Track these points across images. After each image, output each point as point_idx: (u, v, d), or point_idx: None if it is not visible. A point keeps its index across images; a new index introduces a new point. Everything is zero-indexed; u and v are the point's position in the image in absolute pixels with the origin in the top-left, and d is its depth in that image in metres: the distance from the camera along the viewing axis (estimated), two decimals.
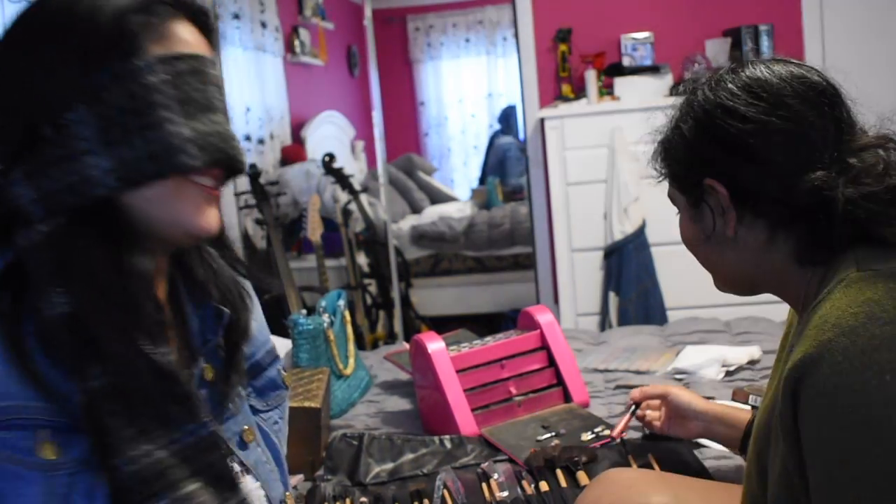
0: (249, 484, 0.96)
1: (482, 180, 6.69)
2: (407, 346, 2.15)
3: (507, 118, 6.80)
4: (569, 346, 1.95)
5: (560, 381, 1.91)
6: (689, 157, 1.09)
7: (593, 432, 1.71)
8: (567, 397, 1.89)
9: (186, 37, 0.88)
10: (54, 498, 0.79)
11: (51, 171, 0.82)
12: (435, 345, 1.81)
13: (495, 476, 1.54)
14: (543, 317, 1.96)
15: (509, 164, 6.53)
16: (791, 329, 1.13)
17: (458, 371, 1.80)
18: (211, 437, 0.87)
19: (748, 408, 1.59)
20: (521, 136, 6.12)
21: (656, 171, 1.15)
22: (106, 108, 0.83)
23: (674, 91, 1.12)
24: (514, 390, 1.85)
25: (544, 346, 1.93)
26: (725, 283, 1.13)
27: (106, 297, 0.82)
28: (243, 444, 0.99)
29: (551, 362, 1.92)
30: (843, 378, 0.86)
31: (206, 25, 0.92)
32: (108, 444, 0.80)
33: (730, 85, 1.05)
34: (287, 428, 1.14)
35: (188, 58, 0.87)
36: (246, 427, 1.00)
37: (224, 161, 0.87)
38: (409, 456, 1.68)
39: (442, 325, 4.89)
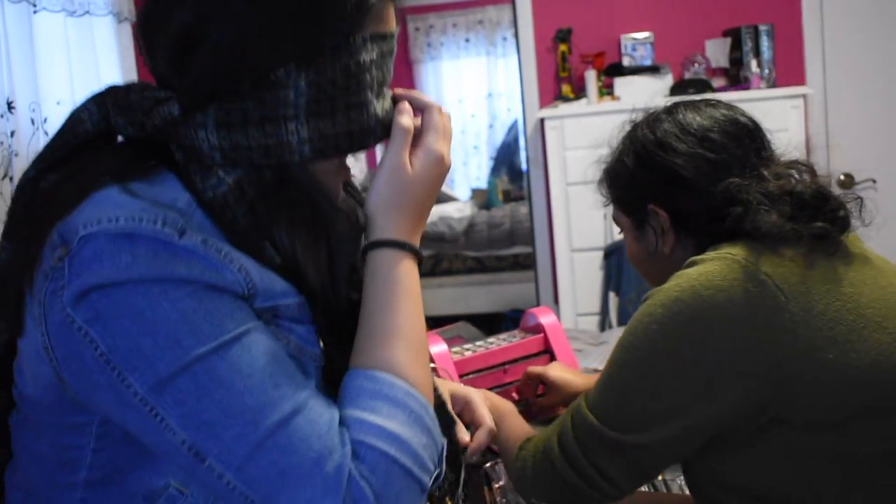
0: None
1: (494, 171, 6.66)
2: None
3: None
4: (571, 349, 1.93)
5: None
6: (633, 186, 1.27)
7: None
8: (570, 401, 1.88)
9: (391, 15, 0.88)
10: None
11: (249, 128, 0.80)
12: (437, 348, 1.80)
13: (501, 483, 1.54)
14: (547, 318, 1.94)
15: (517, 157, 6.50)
16: None
17: (460, 376, 1.78)
18: None
19: None
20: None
21: (603, 196, 1.34)
22: (319, 78, 0.81)
23: (621, 128, 1.35)
24: (516, 396, 1.83)
25: (547, 350, 1.92)
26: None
27: (313, 238, 0.85)
28: None
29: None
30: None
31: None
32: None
33: (665, 125, 1.23)
34: None
35: (391, 37, 0.88)
36: None
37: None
38: None
39: (442, 325, 4.88)
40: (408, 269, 0.91)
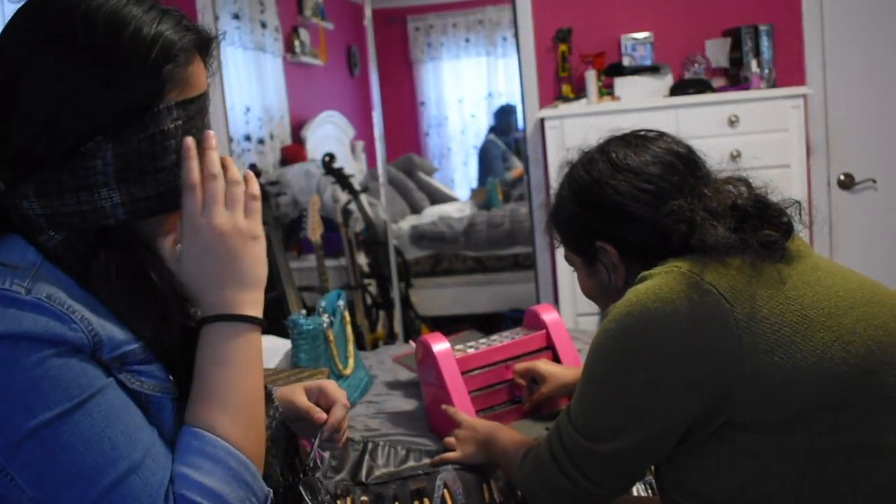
0: None
1: (481, 181, 6.68)
2: (413, 345, 2.14)
3: (506, 115, 6.77)
4: (573, 345, 1.93)
5: None
6: (577, 226, 1.32)
7: None
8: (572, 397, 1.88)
9: (199, 76, 0.93)
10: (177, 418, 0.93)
11: (65, 197, 0.87)
12: (440, 346, 1.80)
13: (500, 483, 1.54)
14: (549, 316, 1.94)
15: (495, 164, 6.52)
16: None
17: (463, 373, 1.78)
18: None
19: None
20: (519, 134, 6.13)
21: (554, 238, 1.40)
22: (125, 148, 0.88)
23: (559, 170, 1.48)
24: (519, 392, 1.84)
25: (549, 346, 1.92)
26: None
27: (130, 293, 0.91)
28: None
29: (556, 362, 1.91)
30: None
31: (210, 55, 0.96)
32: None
33: (599, 165, 1.28)
34: None
35: (199, 98, 0.93)
36: None
37: None
38: (412, 463, 1.68)
39: (442, 325, 4.90)
40: (230, 338, 0.94)
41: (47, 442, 0.81)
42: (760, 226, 1.16)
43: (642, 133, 1.32)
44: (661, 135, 1.32)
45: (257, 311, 0.96)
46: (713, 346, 1.07)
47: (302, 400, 1.22)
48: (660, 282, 1.12)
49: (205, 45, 0.94)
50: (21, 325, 0.81)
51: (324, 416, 1.21)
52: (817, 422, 1.07)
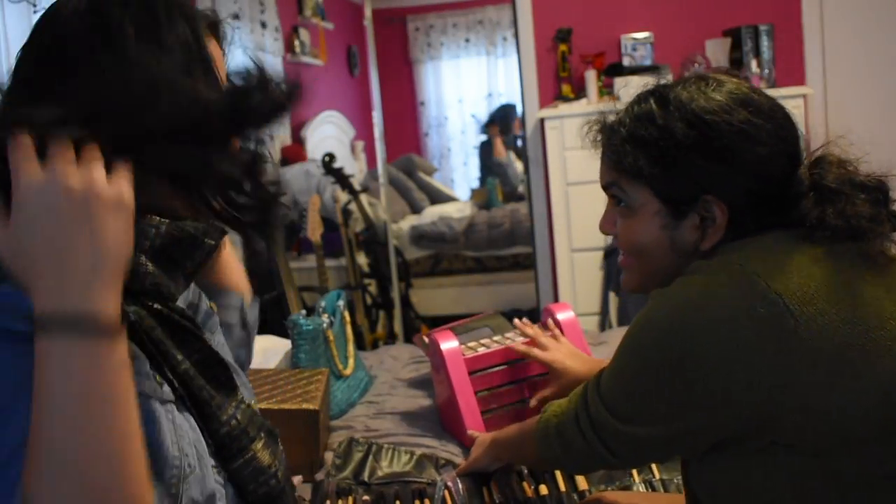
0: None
1: (482, 182, 6.69)
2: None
3: (505, 117, 6.76)
4: (587, 344, 1.91)
5: None
6: (687, 168, 1.04)
7: None
8: None
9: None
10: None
11: None
12: (448, 344, 1.78)
13: (500, 483, 1.54)
14: (564, 314, 1.91)
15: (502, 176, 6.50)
16: None
17: (471, 372, 1.77)
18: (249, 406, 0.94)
19: None
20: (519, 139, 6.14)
21: (634, 166, 1.08)
22: None
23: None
24: (528, 393, 1.81)
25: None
26: (649, 284, 1.13)
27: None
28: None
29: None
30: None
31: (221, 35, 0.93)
32: (208, 414, 0.85)
33: (717, 96, 1.06)
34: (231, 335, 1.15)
35: None
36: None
37: None
38: (415, 468, 1.67)
39: (442, 325, 4.88)
40: (70, 356, 0.68)
41: None
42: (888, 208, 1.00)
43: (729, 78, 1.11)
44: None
45: (114, 306, 0.71)
46: (772, 366, 0.95)
47: None
48: (720, 281, 0.98)
49: (214, 29, 0.92)
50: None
51: None
52: (870, 450, 0.98)
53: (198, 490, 0.81)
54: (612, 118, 1.17)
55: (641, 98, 1.12)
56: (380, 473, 1.63)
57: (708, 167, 1.03)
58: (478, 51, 7.14)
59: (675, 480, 1.48)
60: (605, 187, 1.16)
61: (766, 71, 3.47)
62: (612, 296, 3.51)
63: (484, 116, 7.10)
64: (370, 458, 1.68)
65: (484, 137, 6.77)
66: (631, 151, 1.08)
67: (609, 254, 3.46)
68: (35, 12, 2.42)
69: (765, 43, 3.51)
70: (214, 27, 0.92)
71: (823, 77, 3.56)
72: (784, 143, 1.06)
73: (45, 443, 0.66)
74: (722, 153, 1.03)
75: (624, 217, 1.13)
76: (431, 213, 5.78)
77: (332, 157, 4.57)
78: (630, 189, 1.10)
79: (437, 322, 4.88)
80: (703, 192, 1.03)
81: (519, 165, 6.39)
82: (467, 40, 7.16)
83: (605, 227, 1.19)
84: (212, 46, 0.89)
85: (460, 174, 7.36)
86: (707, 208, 1.04)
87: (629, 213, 1.11)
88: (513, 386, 1.82)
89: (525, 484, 1.52)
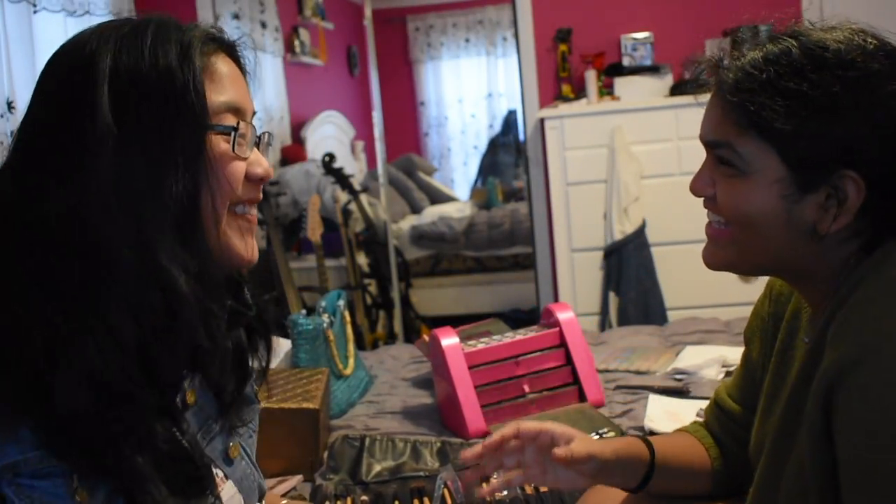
0: (228, 490, 0.96)
1: (481, 182, 6.70)
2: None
3: (507, 122, 6.82)
4: (587, 344, 1.92)
5: (576, 380, 1.89)
6: (837, 133, 0.87)
7: (598, 433, 1.71)
8: (582, 396, 1.88)
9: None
10: None
11: None
12: (448, 340, 1.80)
13: (495, 476, 1.54)
14: (564, 314, 1.93)
15: (503, 167, 6.54)
16: (785, 319, 1.04)
17: (471, 367, 1.78)
18: None
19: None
20: (521, 137, 6.14)
21: (767, 120, 0.89)
22: None
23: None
24: (527, 388, 1.83)
25: (562, 344, 1.91)
26: (744, 264, 0.96)
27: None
28: (228, 461, 0.97)
29: (568, 360, 1.90)
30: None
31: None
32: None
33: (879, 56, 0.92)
34: (257, 438, 1.12)
35: None
36: (231, 444, 0.98)
37: None
38: (411, 456, 1.68)
39: (442, 325, 4.87)
40: None
41: None
42: None
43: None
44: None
45: None
46: None
47: None
48: None
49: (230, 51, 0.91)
50: None
51: None
52: None
53: None
54: (740, 60, 0.99)
55: (780, 44, 0.98)
56: (377, 469, 1.63)
57: (859, 132, 0.86)
58: (478, 51, 7.14)
59: None
60: (711, 145, 0.95)
61: None
62: (611, 296, 3.51)
63: (484, 117, 7.11)
64: (364, 453, 1.68)
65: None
66: (768, 103, 0.89)
67: (609, 254, 3.46)
68: (35, 12, 2.42)
69: None
70: (231, 48, 0.90)
71: None
72: None
73: None
74: (882, 118, 0.87)
75: (729, 179, 0.93)
76: (431, 213, 5.78)
77: (332, 157, 4.57)
78: (749, 147, 0.91)
79: (437, 322, 4.87)
80: (844, 164, 0.87)
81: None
82: (467, 40, 7.16)
83: (697, 188, 0.97)
84: (220, 62, 0.87)
85: (460, 174, 7.36)
86: (840, 184, 0.87)
87: (738, 175, 0.92)
88: (513, 381, 1.83)
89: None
